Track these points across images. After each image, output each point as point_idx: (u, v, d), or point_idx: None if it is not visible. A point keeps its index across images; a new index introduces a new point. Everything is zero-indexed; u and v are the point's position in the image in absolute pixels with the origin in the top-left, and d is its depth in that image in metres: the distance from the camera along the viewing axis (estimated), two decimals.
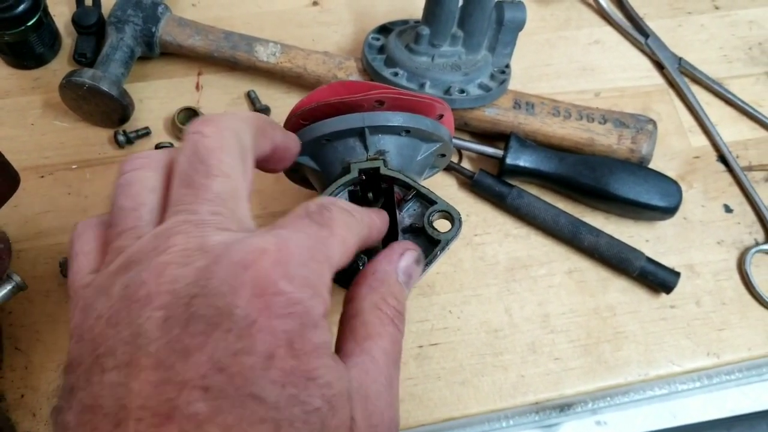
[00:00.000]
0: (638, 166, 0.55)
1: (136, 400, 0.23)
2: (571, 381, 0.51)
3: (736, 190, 0.59)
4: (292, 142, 0.36)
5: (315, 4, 0.66)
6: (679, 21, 0.68)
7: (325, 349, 0.26)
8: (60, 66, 0.60)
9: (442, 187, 0.57)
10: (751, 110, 0.63)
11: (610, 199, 0.54)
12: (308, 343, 0.25)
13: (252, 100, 0.59)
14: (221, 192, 0.28)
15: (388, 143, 0.39)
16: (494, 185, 0.55)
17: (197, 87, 0.60)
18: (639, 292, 0.54)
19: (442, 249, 0.36)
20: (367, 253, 0.37)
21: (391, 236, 0.36)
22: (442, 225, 0.37)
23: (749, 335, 0.53)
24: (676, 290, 0.53)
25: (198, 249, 0.26)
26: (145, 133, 0.57)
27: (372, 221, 0.34)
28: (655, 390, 0.53)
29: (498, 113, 0.57)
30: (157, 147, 0.56)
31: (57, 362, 0.48)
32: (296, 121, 0.40)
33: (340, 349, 0.30)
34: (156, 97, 0.59)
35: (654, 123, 0.57)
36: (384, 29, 0.61)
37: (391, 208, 0.38)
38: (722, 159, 0.61)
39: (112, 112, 0.55)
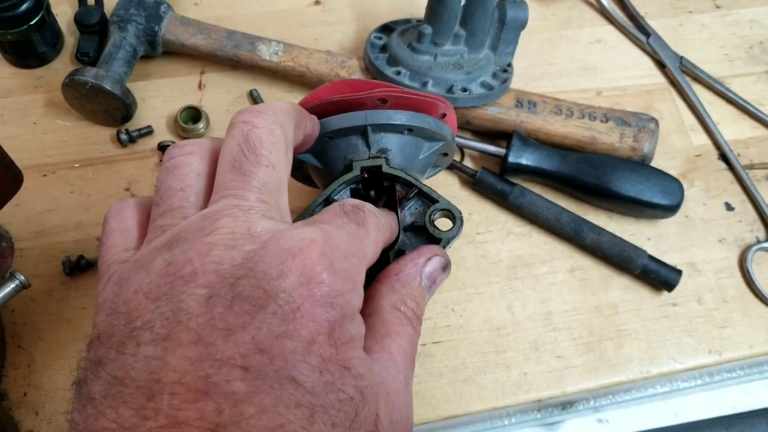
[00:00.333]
0: (640, 165, 0.55)
1: (172, 374, 0.23)
2: (573, 378, 0.51)
3: (737, 188, 0.59)
4: (316, 129, 0.37)
5: (317, 3, 0.66)
6: (680, 20, 0.69)
7: (359, 341, 0.27)
8: (62, 65, 0.60)
9: (445, 185, 0.57)
10: (752, 109, 0.63)
11: (612, 198, 0.54)
12: (346, 334, 0.26)
13: (254, 99, 0.59)
14: (268, 182, 0.29)
15: (391, 141, 0.39)
16: (496, 184, 0.55)
17: (200, 86, 0.60)
18: (641, 290, 0.54)
19: (444, 248, 0.36)
20: None
21: None
22: (443, 224, 0.37)
23: (751, 333, 0.53)
24: (677, 288, 0.53)
25: (245, 233, 0.27)
26: (148, 131, 0.57)
27: (390, 224, 0.34)
28: (657, 388, 0.53)
29: (500, 112, 0.57)
30: (160, 146, 0.56)
31: (60, 360, 0.48)
32: None
33: None
34: (159, 95, 0.59)
35: (656, 121, 0.57)
36: (386, 28, 0.61)
37: (392, 206, 0.38)
38: (723, 157, 0.61)
39: (114, 110, 0.55)
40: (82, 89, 0.53)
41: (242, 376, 0.23)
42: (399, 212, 0.37)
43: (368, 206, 0.32)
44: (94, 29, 0.58)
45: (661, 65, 0.65)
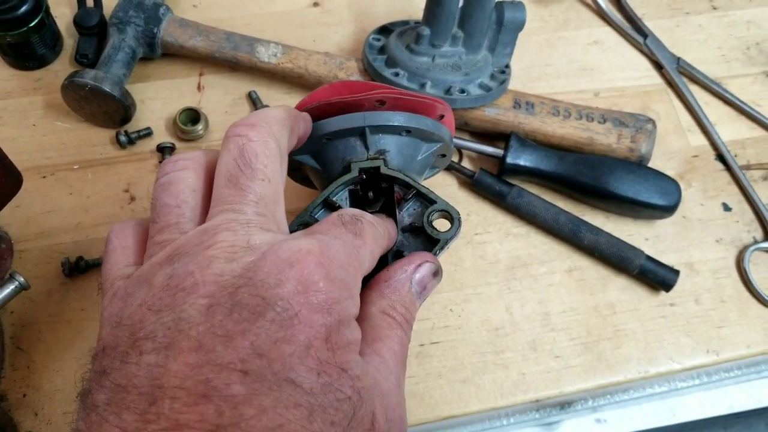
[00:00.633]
0: (637, 165, 0.55)
1: (173, 380, 0.24)
2: (571, 379, 0.51)
3: (734, 188, 0.60)
4: (309, 128, 0.37)
5: (316, 5, 0.66)
6: (677, 21, 0.69)
7: (356, 345, 0.28)
8: (61, 67, 0.60)
9: (443, 186, 0.57)
10: (749, 110, 0.63)
11: (610, 198, 0.55)
12: (343, 338, 0.27)
13: (253, 101, 0.59)
14: (264, 195, 0.30)
15: (389, 143, 0.39)
16: (494, 184, 0.56)
17: (199, 88, 0.60)
18: (639, 290, 0.54)
19: (442, 248, 0.37)
20: None
21: None
22: (441, 224, 0.37)
23: (748, 333, 0.53)
24: (675, 288, 0.53)
25: (244, 246, 0.27)
26: (147, 133, 0.57)
27: (389, 232, 0.35)
28: (655, 387, 0.53)
29: (498, 113, 0.57)
30: (159, 147, 0.56)
31: (59, 361, 0.48)
32: None
33: None
34: (157, 97, 0.59)
35: (653, 122, 0.57)
36: (384, 30, 0.61)
37: (391, 207, 0.38)
38: (721, 158, 0.61)
39: (113, 112, 0.55)
40: (81, 91, 0.53)
41: (242, 379, 0.24)
42: (397, 213, 0.37)
43: (367, 216, 0.33)
44: (93, 31, 0.59)
45: (658, 66, 0.66)
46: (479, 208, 0.57)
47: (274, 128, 0.32)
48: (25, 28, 0.55)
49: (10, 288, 0.45)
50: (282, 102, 0.60)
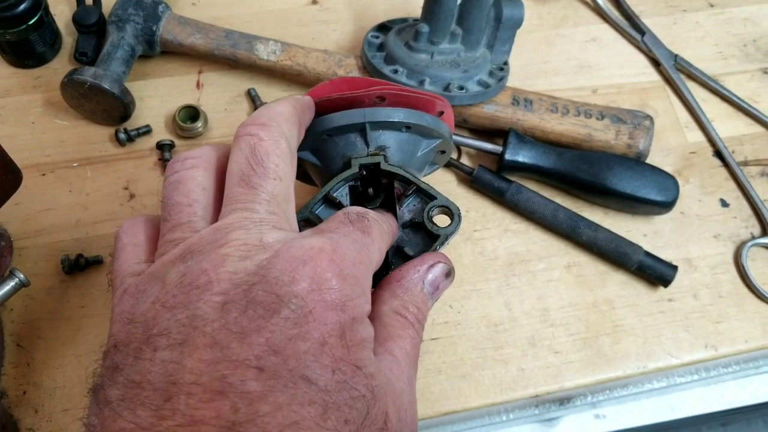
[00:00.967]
0: (636, 162, 0.56)
1: (189, 376, 0.24)
2: (570, 374, 0.51)
3: (732, 184, 0.60)
4: (312, 114, 0.38)
5: (314, 2, 0.67)
6: (674, 18, 0.69)
7: (369, 343, 0.28)
8: (61, 65, 0.60)
9: (442, 183, 0.58)
10: (746, 106, 0.63)
11: (608, 194, 0.55)
12: (357, 336, 0.27)
13: (252, 98, 0.60)
14: (276, 194, 0.30)
15: (389, 139, 0.39)
16: (493, 181, 0.56)
17: (198, 85, 0.60)
18: (637, 286, 0.55)
19: (442, 244, 0.37)
20: None
21: None
22: (441, 220, 0.37)
23: (746, 327, 0.54)
24: (673, 284, 0.53)
25: (257, 244, 0.28)
26: (146, 131, 0.57)
27: (392, 228, 0.35)
28: (654, 383, 0.53)
29: (497, 110, 0.57)
30: (158, 145, 0.56)
31: (59, 359, 0.48)
32: None
33: None
34: (157, 95, 0.60)
35: (651, 119, 0.57)
36: (383, 27, 0.61)
37: (391, 203, 0.38)
38: (718, 154, 0.61)
39: (113, 110, 0.55)
40: (80, 88, 0.53)
41: (257, 376, 0.24)
42: (397, 209, 0.38)
43: (371, 213, 0.33)
44: (92, 29, 0.59)
45: (656, 63, 0.66)
46: (478, 204, 0.57)
47: (284, 127, 0.32)
48: (25, 26, 0.55)
49: (10, 285, 0.45)
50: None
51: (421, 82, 0.56)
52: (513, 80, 0.61)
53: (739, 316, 0.54)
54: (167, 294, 0.27)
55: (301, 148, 0.39)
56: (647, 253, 0.54)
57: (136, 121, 0.58)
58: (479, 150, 0.57)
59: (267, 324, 0.25)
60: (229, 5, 0.65)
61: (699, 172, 0.60)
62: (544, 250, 0.55)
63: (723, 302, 0.54)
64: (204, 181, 0.32)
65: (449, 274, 0.35)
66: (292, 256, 0.27)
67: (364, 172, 0.38)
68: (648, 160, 0.57)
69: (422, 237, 0.37)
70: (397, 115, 0.38)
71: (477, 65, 0.56)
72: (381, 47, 0.59)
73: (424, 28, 0.55)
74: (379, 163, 0.38)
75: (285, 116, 0.33)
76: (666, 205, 0.55)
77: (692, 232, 0.57)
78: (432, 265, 0.34)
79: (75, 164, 0.56)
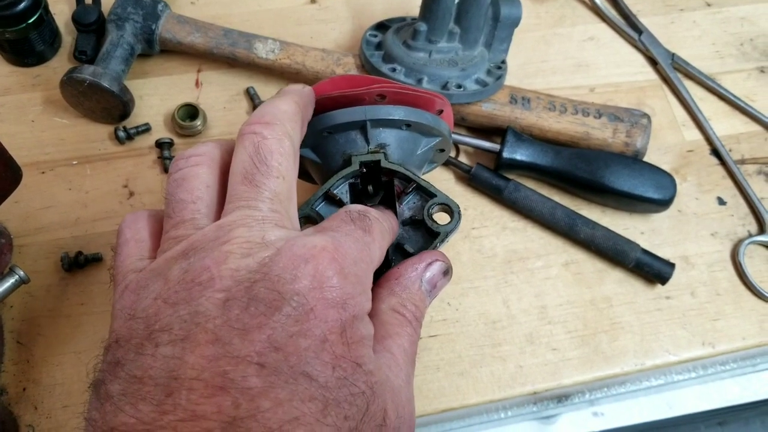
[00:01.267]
0: (633, 160, 0.56)
1: (190, 371, 0.25)
2: (568, 371, 0.51)
3: (729, 182, 0.60)
4: (313, 107, 0.38)
5: (313, 1, 0.67)
6: (671, 17, 0.69)
7: (369, 340, 0.28)
8: (60, 63, 0.60)
9: (440, 181, 0.58)
10: (743, 105, 0.64)
11: (606, 192, 0.55)
12: (357, 333, 0.27)
13: (251, 97, 0.60)
14: (279, 192, 0.31)
15: (389, 137, 0.39)
16: (491, 179, 0.56)
17: (197, 84, 0.61)
18: (635, 284, 0.55)
19: (442, 241, 0.37)
20: None
21: None
22: (441, 218, 0.38)
23: (743, 325, 0.54)
24: (671, 281, 0.54)
25: (260, 242, 0.28)
26: (145, 129, 0.57)
27: (392, 226, 0.35)
28: (651, 380, 0.53)
29: (494, 108, 0.57)
30: (157, 143, 0.56)
31: (59, 356, 0.48)
32: None
33: None
34: (156, 93, 0.60)
35: (648, 117, 0.58)
36: (381, 26, 0.61)
37: (391, 200, 0.38)
38: (715, 152, 0.61)
39: (112, 108, 0.56)
40: (80, 87, 0.53)
41: (258, 372, 0.24)
42: (397, 206, 0.38)
43: (372, 212, 0.33)
44: (91, 28, 0.59)
45: (653, 62, 0.66)
46: (476, 202, 0.57)
47: (288, 126, 0.33)
48: (24, 25, 0.55)
49: (10, 281, 0.45)
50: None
51: (419, 81, 0.56)
52: (511, 79, 0.61)
53: (736, 313, 0.54)
54: (169, 290, 0.27)
55: (301, 146, 0.39)
56: (645, 251, 0.54)
57: (135, 120, 0.58)
58: (477, 148, 0.58)
59: (268, 321, 0.25)
60: (228, 4, 0.66)
61: (696, 170, 0.60)
62: (542, 247, 0.56)
63: (720, 300, 0.55)
64: (208, 178, 0.32)
65: (447, 272, 0.36)
66: (294, 254, 0.27)
67: (364, 170, 0.38)
68: (645, 159, 0.58)
69: (422, 234, 0.38)
70: (398, 113, 0.38)
71: (475, 64, 0.57)
72: (379, 46, 0.59)
73: (422, 26, 0.55)
74: (379, 161, 0.38)
75: (289, 115, 0.33)
76: (663, 203, 0.55)
77: (689, 230, 0.57)
78: (430, 263, 0.35)
79: (74, 162, 0.56)
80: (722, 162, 0.61)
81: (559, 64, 0.65)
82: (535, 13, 0.68)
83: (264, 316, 0.25)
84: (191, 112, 0.58)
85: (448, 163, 0.58)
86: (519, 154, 0.56)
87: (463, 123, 0.59)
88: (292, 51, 0.59)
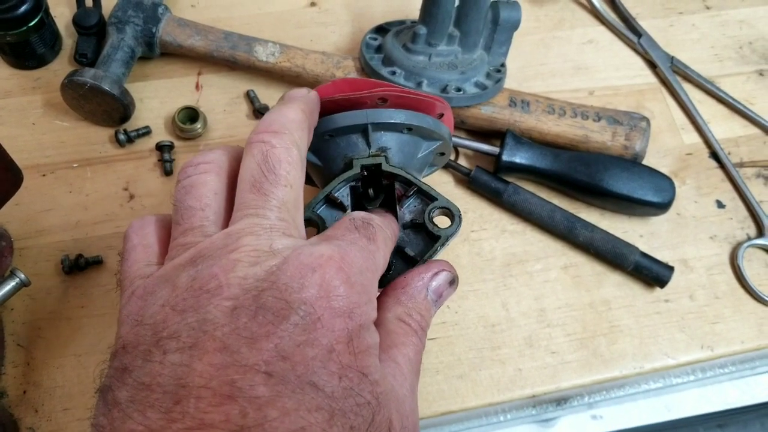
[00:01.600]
0: (632, 163, 0.56)
1: (198, 379, 0.25)
2: (567, 374, 0.51)
3: (728, 186, 0.60)
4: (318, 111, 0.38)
5: (313, 4, 0.67)
6: (671, 21, 0.69)
7: (375, 350, 0.29)
8: (61, 66, 0.61)
9: (439, 184, 0.58)
10: (742, 108, 0.64)
11: (605, 195, 0.55)
12: (363, 343, 0.27)
13: (251, 100, 0.60)
14: (287, 201, 0.31)
15: (390, 140, 0.39)
16: (490, 182, 0.56)
17: (197, 87, 0.61)
18: (633, 287, 0.55)
19: (443, 245, 0.37)
20: None
21: None
22: (441, 221, 0.38)
23: (742, 328, 0.54)
24: (670, 284, 0.54)
25: (267, 251, 0.28)
26: (146, 132, 0.57)
27: (394, 231, 0.35)
28: (650, 383, 0.53)
29: (494, 111, 0.57)
30: (158, 146, 0.56)
31: (59, 358, 0.48)
32: None
33: None
34: (156, 96, 0.60)
35: (647, 120, 0.58)
36: (381, 29, 0.62)
37: (391, 204, 0.39)
38: (714, 156, 0.62)
39: (113, 111, 0.56)
40: (80, 90, 0.54)
41: (266, 381, 0.25)
42: (398, 210, 0.38)
43: (375, 219, 0.33)
44: (92, 31, 0.59)
45: (652, 65, 0.66)
46: (475, 205, 0.57)
47: (295, 135, 0.33)
48: (25, 28, 0.55)
49: (11, 284, 0.45)
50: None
51: (419, 84, 0.56)
52: (510, 82, 0.62)
53: (735, 316, 0.54)
54: (177, 297, 0.27)
55: None
56: (644, 254, 0.54)
57: (135, 122, 0.58)
58: (476, 151, 0.58)
59: (276, 330, 0.25)
60: (228, 7, 0.66)
61: (695, 173, 0.61)
62: (541, 250, 0.56)
63: (719, 303, 0.55)
64: (216, 185, 0.33)
65: (453, 282, 0.36)
66: (301, 263, 0.27)
67: (365, 173, 0.38)
68: (644, 162, 0.58)
69: (423, 238, 0.38)
70: (400, 116, 0.38)
71: (474, 67, 0.57)
72: (379, 49, 0.59)
73: (422, 30, 0.56)
74: (380, 164, 0.38)
75: (296, 123, 0.33)
76: (662, 207, 0.55)
77: (688, 233, 0.58)
78: (436, 273, 0.35)
79: (75, 165, 0.56)
80: (721, 165, 0.61)
81: (559, 67, 0.65)
82: (534, 17, 0.68)
83: (272, 325, 0.26)
84: (191, 115, 0.58)
85: (448, 166, 0.58)
86: (518, 157, 0.56)
87: (462, 126, 0.59)
88: (292, 54, 0.59)
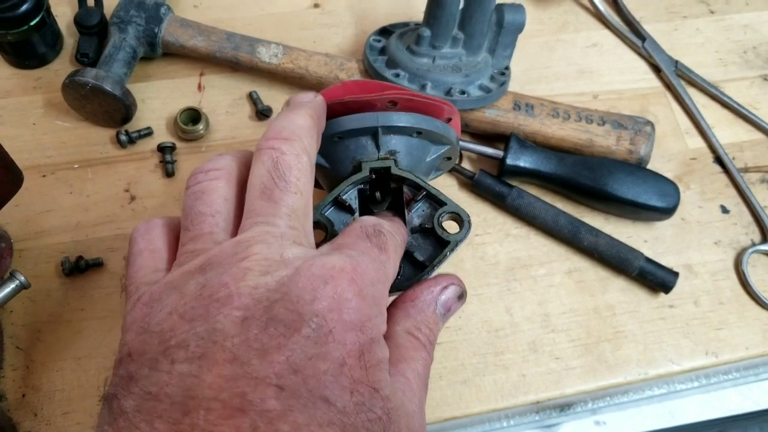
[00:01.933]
0: (637, 167, 0.56)
1: (208, 391, 0.24)
2: (571, 380, 0.51)
3: (732, 191, 0.60)
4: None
5: (316, 6, 0.67)
6: (675, 25, 0.69)
7: (386, 364, 0.28)
8: (62, 66, 0.60)
9: (443, 187, 0.58)
10: (746, 113, 0.64)
11: (609, 200, 0.55)
12: (375, 357, 0.27)
13: (254, 101, 0.59)
14: (297, 208, 0.31)
15: (399, 144, 0.39)
16: (494, 185, 0.56)
17: (199, 87, 0.60)
18: (638, 292, 0.55)
19: (452, 250, 0.37)
20: None
21: None
22: (449, 226, 0.37)
23: (747, 334, 0.54)
24: (674, 290, 0.53)
25: (278, 260, 0.28)
26: (147, 133, 0.57)
27: (404, 238, 0.35)
28: (654, 390, 0.53)
29: (498, 114, 0.57)
30: (159, 147, 0.56)
31: (59, 361, 0.48)
32: None
33: None
34: (158, 97, 0.59)
35: (652, 125, 0.58)
36: (385, 31, 0.61)
37: (399, 207, 0.38)
38: (719, 160, 0.61)
39: (114, 111, 0.55)
40: (82, 90, 0.53)
41: (277, 394, 0.24)
42: (406, 214, 0.38)
43: (385, 226, 0.33)
44: (93, 30, 0.58)
45: (656, 69, 0.66)
46: (479, 209, 0.57)
47: (305, 141, 0.32)
48: (26, 27, 0.55)
49: (10, 287, 0.44)
50: (283, 103, 0.60)
51: (423, 87, 0.56)
52: (514, 85, 0.61)
53: (739, 322, 0.54)
54: (185, 305, 0.27)
55: None
56: (648, 259, 0.54)
57: (137, 123, 0.58)
58: (480, 154, 0.57)
59: (287, 342, 0.25)
60: (231, 8, 0.65)
61: (699, 178, 0.60)
62: (545, 255, 0.55)
63: (724, 309, 0.55)
64: (226, 192, 0.32)
65: (462, 296, 0.36)
66: (313, 274, 0.27)
67: (374, 176, 0.38)
68: (649, 166, 0.57)
69: (431, 242, 0.37)
70: (411, 120, 0.38)
71: (478, 70, 0.56)
72: (383, 51, 0.59)
73: (426, 32, 0.55)
74: (389, 168, 0.38)
75: (306, 129, 0.33)
76: (667, 211, 0.55)
77: (693, 239, 0.57)
78: (446, 287, 0.35)
79: (76, 166, 0.56)
80: (725, 170, 0.61)
81: (563, 71, 0.65)
82: (539, 19, 0.68)
83: (283, 337, 0.25)
84: (193, 116, 0.57)
85: (452, 170, 0.58)
86: (522, 160, 0.55)
87: (466, 129, 0.59)
88: (295, 55, 0.59)
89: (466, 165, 0.59)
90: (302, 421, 0.24)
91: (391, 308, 0.33)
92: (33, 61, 0.59)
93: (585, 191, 0.55)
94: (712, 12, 0.70)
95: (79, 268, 0.51)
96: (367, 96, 0.37)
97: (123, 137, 0.56)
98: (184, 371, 0.25)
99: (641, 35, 0.67)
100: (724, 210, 0.59)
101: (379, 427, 0.26)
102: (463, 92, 0.55)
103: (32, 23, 0.55)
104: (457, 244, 0.36)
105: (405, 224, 0.37)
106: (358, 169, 0.38)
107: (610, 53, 0.67)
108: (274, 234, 0.29)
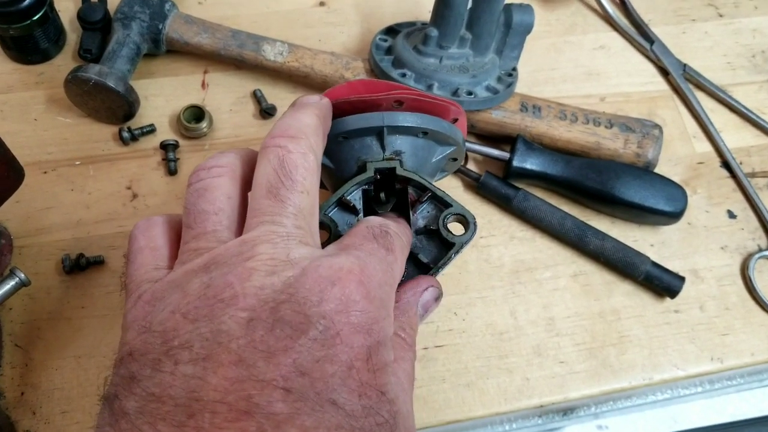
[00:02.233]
0: (644, 171, 0.55)
1: (213, 393, 0.24)
2: (575, 384, 0.50)
3: (739, 196, 0.59)
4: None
5: (322, 4, 0.66)
6: (683, 28, 0.69)
7: (391, 367, 0.28)
8: (64, 61, 0.60)
9: (448, 189, 0.57)
10: (754, 117, 0.63)
11: (616, 203, 0.54)
12: (381, 359, 0.27)
13: (258, 99, 0.59)
14: (303, 207, 0.30)
15: (405, 144, 0.38)
16: (500, 187, 0.55)
17: (203, 85, 0.60)
18: (644, 297, 0.54)
19: (457, 252, 0.36)
20: None
21: None
22: (455, 228, 0.37)
23: (752, 340, 0.53)
24: (680, 295, 0.53)
25: (284, 260, 0.27)
26: (150, 130, 0.56)
27: (409, 239, 0.35)
28: (658, 394, 0.53)
29: (505, 116, 0.57)
30: (162, 145, 0.55)
31: (58, 360, 0.47)
32: None
33: None
34: (161, 94, 0.59)
35: (660, 128, 0.57)
36: (391, 30, 0.61)
37: (404, 208, 0.38)
38: (726, 165, 0.61)
39: (117, 108, 0.55)
40: (84, 86, 0.53)
41: (284, 397, 0.24)
42: (411, 215, 0.37)
43: (392, 227, 0.32)
44: (97, 26, 0.58)
45: (664, 72, 0.65)
46: (484, 211, 0.56)
47: (312, 140, 0.32)
48: (29, 22, 0.54)
49: (10, 284, 0.44)
50: (287, 101, 0.59)
51: (430, 87, 0.55)
52: (521, 87, 0.61)
53: (745, 328, 0.54)
54: (189, 305, 0.26)
55: None
56: (654, 264, 0.53)
57: (140, 120, 0.57)
58: (486, 156, 0.57)
59: (294, 344, 0.25)
60: (236, 5, 0.65)
61: (706, 182, 0.60)
62: (551, 258, 0.55)
63: (729, 314, 0.54)
64: (230, 190, 0.32)
65: (438, 298, 0.36)
66: (320, 275, 0.26)
67: (378, 177, 0.38)
68: (655, 170, 0.57)
69: (436, 244, 0.37)
70: (417, 120, 0.38)
71: (486, 71, 0.56)
72: (389, 50, 0.58)
73: (434, 32, 0.55)
74: (394, 168, 0.37)
75: (312, 128, 0.33)
76: (674, 216, 0.54)
77: (699, 244, 0.57)
78: (425, 289, 0.35)
79: (77, 162, 0.55)
80: (733, 175, 0.60)
81: (570, 73, 0.64)
82: (546, 21, 0.68)
83: (290, 339, 0.25)
84: (197, 113, 0.57)
85: (457, 171, 0.57)
86: (529, 163, 0.55)
87: (472, 130, 0.58)
88: (300, 54, 0.58)
89: (471, 166, 0.59)
90: (310, 424, 0.24)
91: None
92: (35, 56, 0.58)
93: (592, 194, 0.55)
94: (720, 15, 0.70)
95: (79, 265, 0.50)
96: (373, 95, 0.37)
97: (125, 134, 0.55)
98: (188, 373, 0.24)
99: (649, 38, 0.67)
100: (731, 215, 0.59)
101: (386, 430, 0.25)
102: (470, 93, 0.55)
103: (35, 18, 0.55)
104: (462, 246, 0.36)
105: (410, 225, 0.37)
106: (362, 169, 0.37)
107: (618, 55, 0.66)
108: (280, 233, 0.29)
